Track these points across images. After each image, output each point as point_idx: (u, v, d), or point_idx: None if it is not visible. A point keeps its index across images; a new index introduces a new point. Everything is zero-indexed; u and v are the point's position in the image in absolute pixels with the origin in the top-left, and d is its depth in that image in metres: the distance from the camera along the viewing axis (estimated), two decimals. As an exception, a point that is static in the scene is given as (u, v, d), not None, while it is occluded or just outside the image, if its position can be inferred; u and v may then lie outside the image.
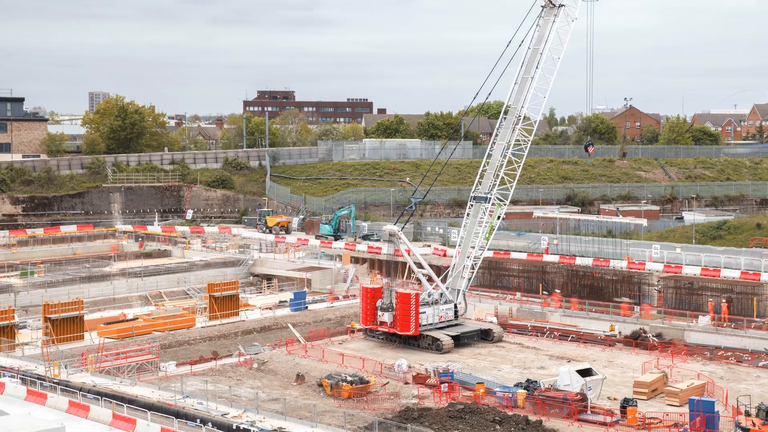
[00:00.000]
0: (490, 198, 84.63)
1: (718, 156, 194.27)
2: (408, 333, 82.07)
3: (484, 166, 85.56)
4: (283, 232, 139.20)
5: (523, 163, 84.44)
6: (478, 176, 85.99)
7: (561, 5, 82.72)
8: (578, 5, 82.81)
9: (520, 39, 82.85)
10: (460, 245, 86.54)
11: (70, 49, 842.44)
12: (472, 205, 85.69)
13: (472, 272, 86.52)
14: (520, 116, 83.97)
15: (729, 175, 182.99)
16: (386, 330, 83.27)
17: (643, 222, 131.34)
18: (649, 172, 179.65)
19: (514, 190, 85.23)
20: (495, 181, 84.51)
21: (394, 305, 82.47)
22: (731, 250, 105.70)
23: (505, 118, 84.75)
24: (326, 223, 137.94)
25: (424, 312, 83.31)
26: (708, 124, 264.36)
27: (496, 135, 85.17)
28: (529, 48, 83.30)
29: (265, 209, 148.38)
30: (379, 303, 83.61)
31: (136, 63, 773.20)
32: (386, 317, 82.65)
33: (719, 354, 79.17)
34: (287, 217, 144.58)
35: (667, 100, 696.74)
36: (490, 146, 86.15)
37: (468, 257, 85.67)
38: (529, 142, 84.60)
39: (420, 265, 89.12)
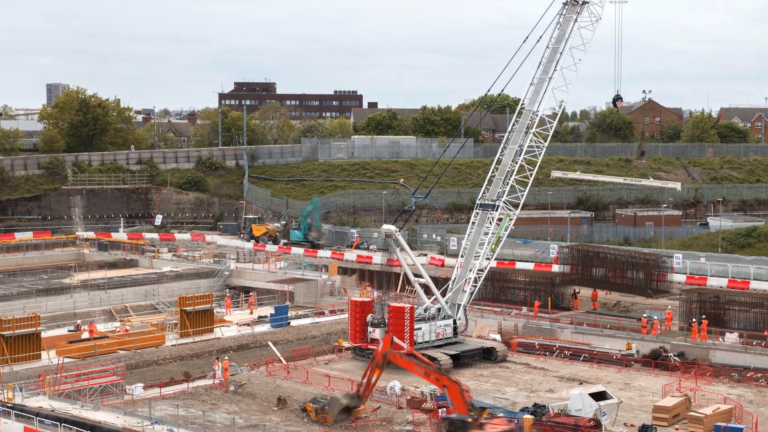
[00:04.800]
0: (499, 206, 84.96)
1: (747, 155, 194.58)
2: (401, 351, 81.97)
3: (493, 171, 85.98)
4: (271, 243, 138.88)
5: (536, 170, 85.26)
6: (486, 182, 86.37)
7: (585, 2, 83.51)
8: (605, 5, 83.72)
9: (538, 35, 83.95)
10: (462, 256, 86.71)
11: (26, 34, 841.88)
12: (477, 213, 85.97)
13: (475, 286, 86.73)
14: (535, 119, 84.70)
15: (759, 177, 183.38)
16: (373, 348, 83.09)
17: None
18: (670, 173, 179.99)
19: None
20: (505, 188, 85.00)
21: (387, 320, 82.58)
22: (762, 259, 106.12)
23: (517, 121, 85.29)
24: (296, 228, 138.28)
25: (420, 328, 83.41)
26: (736, 119, 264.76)
27: (508, 139, 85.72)
28: (548, 47, 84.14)
29: (251, 216, 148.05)
30: (369, 318, 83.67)
31: (97, 48, 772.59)
32: (378, 334, 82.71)
33: (748, 375, 79.32)
34: (276, 226, 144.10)
35: (690, 93, 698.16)
36: (500, 150, 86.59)
37: (471, 269, 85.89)
38: (544, 149, 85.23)
39: (418, 275, 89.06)
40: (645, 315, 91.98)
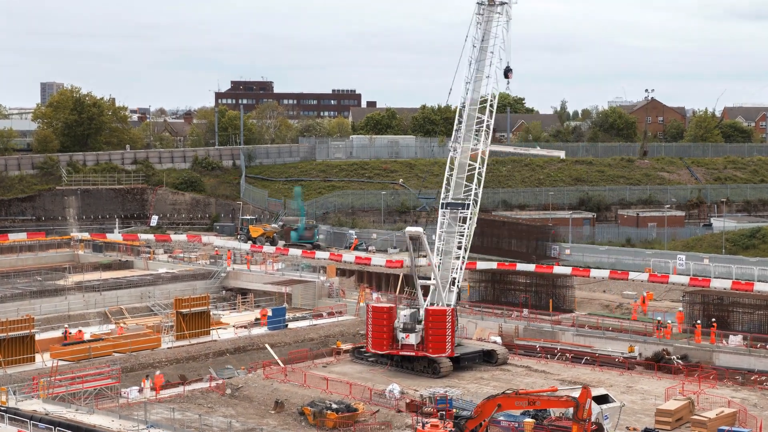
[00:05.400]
0: (469, 204, 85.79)
1: (751, 155, 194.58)
2: (443, 355, 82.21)
3: (450, 172, 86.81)
4: (269, 244, 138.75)
5: (484, 168, 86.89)
6: (444, 182, 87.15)
7: (502, 3, 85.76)
8: (514, 4, 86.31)
9: (466, 35, 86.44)
10: (439, 258, 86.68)
11: (21, 33, 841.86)
12: (445, 213, 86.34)
13: (459, 287, 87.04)
14: (482, 117, 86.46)
15: (763, 177, 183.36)
16: (412, 354, 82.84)
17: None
18: (673, 173, 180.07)
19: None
20: (470, 185, 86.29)
21: (423, 325, 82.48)
22: (766, 261, 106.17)
23: (461, 121, 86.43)
24: (294, 229, 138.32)
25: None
26: (740, 118, 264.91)
27: (456, 138, 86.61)
28: (474, 46, 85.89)
29: (248, 217, 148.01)
30: (400, 323, 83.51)
31: (92, 49, 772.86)
32: (412, 339, 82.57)
33: (752, 378, 79.37)
34: (273, 227, 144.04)
35: (694, 92, 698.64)
36: (452, 152, 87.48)
37: (452, 270, 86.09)
38: (489, 143, 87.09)
39: (426, 277, 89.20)
40: (658, 318, 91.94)
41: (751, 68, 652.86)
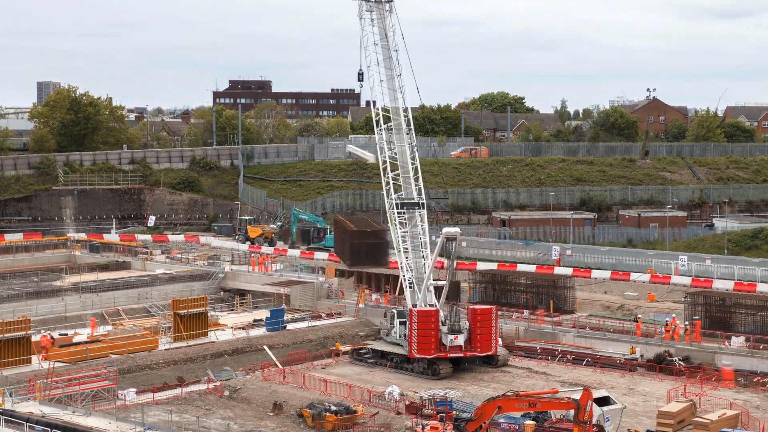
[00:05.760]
0: (424, 203, 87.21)
1: (754, 155, 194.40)
2: (489, 353, 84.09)
3: (396, 174, 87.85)
4: (267, 245, 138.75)
5: (418, 163, 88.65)
6: (391, 183, 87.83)
7: (378, 1, 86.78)
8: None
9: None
10: (407, 259, 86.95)
11: (17, 32, 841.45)
12: (402, 213, 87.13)
13: (437, 286, 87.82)
14: (406, 115, 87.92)
15: (766, 177, 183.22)
16: (461, 355, 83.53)
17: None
18: (674, 173, 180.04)
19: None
20: (419, 184, 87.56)
21: (469, 325, 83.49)
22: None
23: (378, 122, 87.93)
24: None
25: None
26: (742, 118, 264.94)
27: (389, 140, 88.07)
28: (375, 44, 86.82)
29: (247, 217, 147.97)
30: (446, 326, 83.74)
31: (90, 49, 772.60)
32: (461, 340, 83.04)
33: (755, 380, 79.42)
34: (271, 227, 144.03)
35: (696, 91, 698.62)
36: (389, 155, 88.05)
37: (425, 269, 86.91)
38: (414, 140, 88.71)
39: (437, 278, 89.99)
40: (669, 318, 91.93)
41: (749, 68, 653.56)
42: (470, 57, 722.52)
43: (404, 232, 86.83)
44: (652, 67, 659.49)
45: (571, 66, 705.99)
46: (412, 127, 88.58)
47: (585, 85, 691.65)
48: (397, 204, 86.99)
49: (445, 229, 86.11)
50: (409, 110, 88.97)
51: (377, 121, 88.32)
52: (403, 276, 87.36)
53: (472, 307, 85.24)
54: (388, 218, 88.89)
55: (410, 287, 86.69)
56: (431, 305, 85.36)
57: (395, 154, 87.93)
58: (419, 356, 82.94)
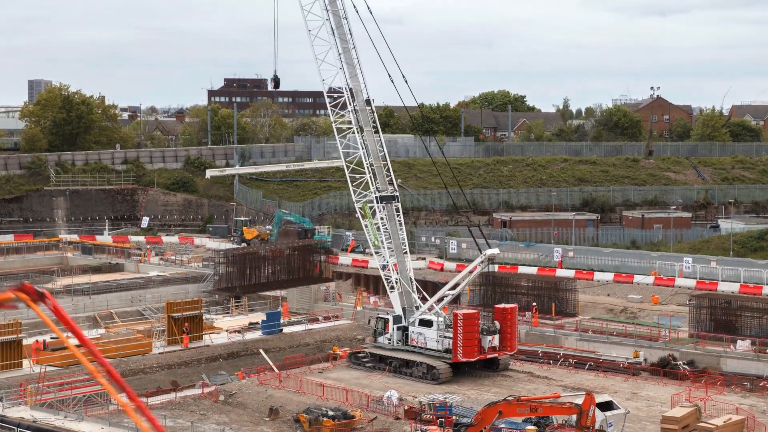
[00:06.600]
0: (398, 196, 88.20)
1: (760, 154, 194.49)
2: (513, 352, 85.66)
3: (370, 166, 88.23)
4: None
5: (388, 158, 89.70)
6: (369, 176, 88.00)
7: None
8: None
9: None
10: (391, 256, 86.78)
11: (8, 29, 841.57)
12: (382, 207, 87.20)
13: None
14: (371, 99, 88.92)
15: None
16: (495, 356, 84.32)
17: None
18: (679, 173, 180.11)
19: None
20: (390, 176, 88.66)
21: (499, 327, 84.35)
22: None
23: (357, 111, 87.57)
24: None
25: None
26: (748, 117, 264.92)
27: (359, 132, 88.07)
28: (333, 34, 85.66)
29: (242, 218, 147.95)
30: (483, 328, 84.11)
31: (83, 46, 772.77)
32: (496, 341, 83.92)
33: (761, 384, 79.40)
34: (267, 229, 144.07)
35: (701, 90, 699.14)
36: (362, 146, 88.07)
37: (408, 268, 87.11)
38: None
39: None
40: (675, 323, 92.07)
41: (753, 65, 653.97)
42: (474, 59, 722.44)
43: (385, 229, 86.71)
44: (652, 66, 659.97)
45: (572, 64, 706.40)
46: (374, 109, 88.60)
47: (587, 84, 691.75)
48: (376, 198, 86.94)
49: (489, 251, 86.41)
50: (370, 94, 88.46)
51: (342, 104, 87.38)
52: (386, 278, 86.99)
53: (500, 306, 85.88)
54: (361, 216, 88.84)
55: (392, 290, 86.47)
56: (417, 307, 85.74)
57: (366, 142, 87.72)
58: (464, 360, 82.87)
